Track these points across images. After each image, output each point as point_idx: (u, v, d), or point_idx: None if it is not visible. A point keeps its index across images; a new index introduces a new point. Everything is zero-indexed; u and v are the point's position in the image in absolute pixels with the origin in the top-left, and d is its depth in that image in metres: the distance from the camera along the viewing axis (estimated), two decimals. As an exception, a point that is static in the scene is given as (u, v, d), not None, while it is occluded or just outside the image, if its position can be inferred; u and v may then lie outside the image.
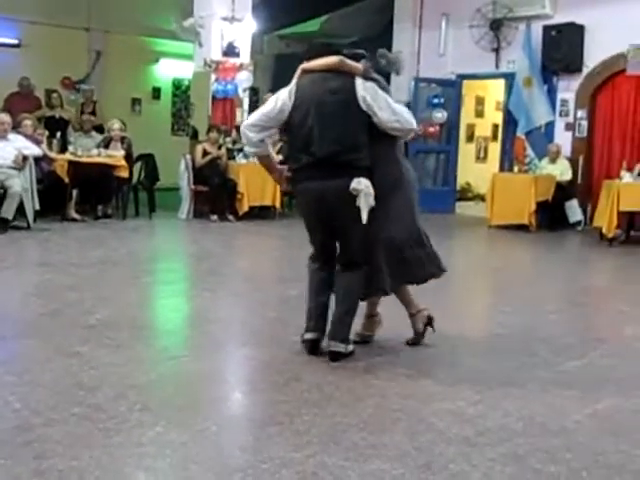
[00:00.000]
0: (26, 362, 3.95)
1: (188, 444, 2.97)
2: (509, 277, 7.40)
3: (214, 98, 10.85)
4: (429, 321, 4.49)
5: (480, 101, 14.40)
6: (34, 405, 3.30)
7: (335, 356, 4.09)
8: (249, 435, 3.18)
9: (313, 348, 4.19)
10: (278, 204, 10.49)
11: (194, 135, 11.41)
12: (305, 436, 3.08)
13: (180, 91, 15.11)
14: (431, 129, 12.38)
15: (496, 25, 11.72)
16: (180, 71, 14.28)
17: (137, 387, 3.60)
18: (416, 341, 4.48)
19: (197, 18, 10.62)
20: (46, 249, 7.74)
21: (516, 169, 11.24)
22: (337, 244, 4.22)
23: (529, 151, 11.38)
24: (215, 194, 10.17)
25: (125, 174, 9.89)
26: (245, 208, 10.11)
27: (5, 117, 8.83)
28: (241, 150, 10.57)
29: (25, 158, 8.51)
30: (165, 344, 4.55)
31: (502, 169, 11.89)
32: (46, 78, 12.38)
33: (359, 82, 3.99)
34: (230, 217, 10.09)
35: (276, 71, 14.55)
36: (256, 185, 10.04)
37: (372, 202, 3.92)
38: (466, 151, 13.79)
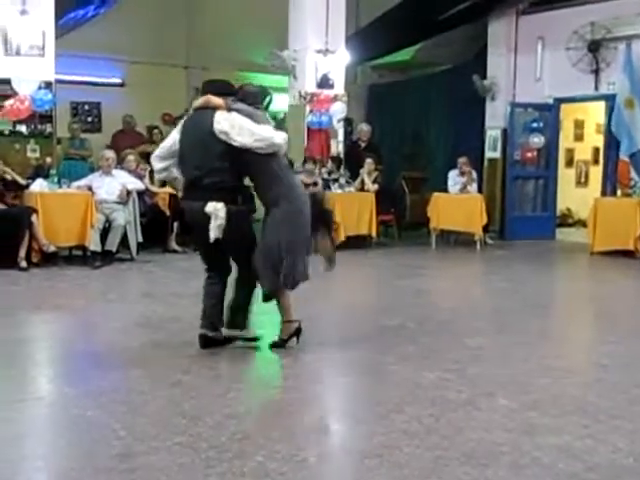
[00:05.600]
0: (131, 391, 4.05)
1: (288, 475, 2.96)
2: (613, 306, 7.11)
3: (309, 129, 10.99)
4: (297, 333, 4.85)
5: (579, 124, 14.02)
6: (138, 433, 3.37)
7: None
8: (348, 467, 3.15)
9: (205, 343, 4.81)
10: (374, 233, 10.49)
11: (289, 166, 11.51)
12: (405, 469, 3.03)
13: (276, 123, 15.29)
14: (529, 154, 12.18)
15: (594, 46, 11.42)
16: (275, 104, 14.51)
17: (237, 417, 3.63)
18: (276, 345, 4.83)
19: (291, 51, 10.80)
20: (149, 280, 7.96)
21: (619, 193, 10.86)
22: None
23: (633, 174, 10.98)
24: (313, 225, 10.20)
25: (223, 206, 10.09)
26: (342, 238, 10.12)
27: (110, 153, 9.16)
28: (336, 180, 10.62)
29: (129, 192, 8.81)
30: (263, 374, 4.58)
31: (604, 193, 11.50)
32: (148, 115, 12.81)
33: (217, 115, 4.54)
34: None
35: (370, 101, 14.55)
36: (352, 215, 10.13)
37: (221, 222, 4.42)
38: (566, 176, 13.43)
